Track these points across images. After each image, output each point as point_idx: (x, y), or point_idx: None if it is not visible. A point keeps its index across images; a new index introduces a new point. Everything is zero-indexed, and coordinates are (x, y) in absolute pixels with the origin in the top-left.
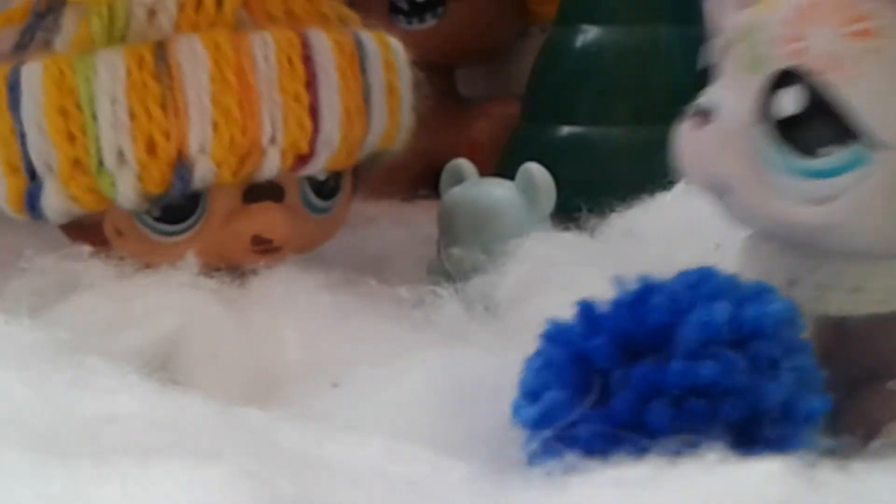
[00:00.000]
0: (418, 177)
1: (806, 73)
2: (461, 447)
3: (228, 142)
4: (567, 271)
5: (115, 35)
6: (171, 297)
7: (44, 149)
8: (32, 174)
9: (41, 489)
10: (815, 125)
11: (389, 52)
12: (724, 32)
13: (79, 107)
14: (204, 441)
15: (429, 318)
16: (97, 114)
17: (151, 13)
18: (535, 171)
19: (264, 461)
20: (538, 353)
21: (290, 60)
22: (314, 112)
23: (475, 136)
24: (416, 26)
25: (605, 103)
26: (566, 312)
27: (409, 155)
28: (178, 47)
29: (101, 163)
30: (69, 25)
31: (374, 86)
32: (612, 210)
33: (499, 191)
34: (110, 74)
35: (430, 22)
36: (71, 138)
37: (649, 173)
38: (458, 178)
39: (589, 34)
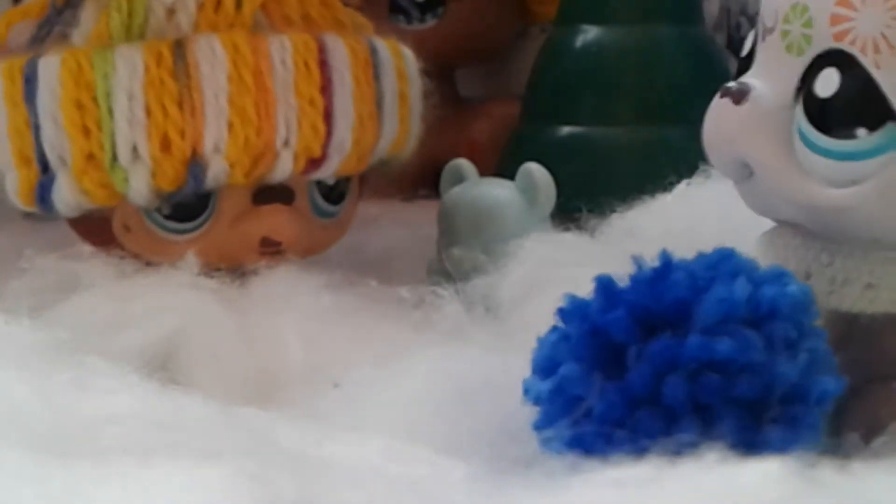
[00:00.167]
0: (418, 177)
1: (849, 55)
2: (461, 447)
3: (243, 143)
4: (567, 272)
5: (134, 31)
6: (171, 297)
7: (58, 142)
8: (45, 167)
9: (41, 489)
10: (849, 108)
11: (402, 61)
12: (764, 18)
13: (95, 101)
14: (204, 441)
15: (429, 319)
16: (113, 109)
17: (171, 11)
18: (535, 171)
19: (264, 461)
20: (553, 329)
21: (306, 64)
22: (328, 117)
23: (475, 136)
24: (416, 26)
25: (605, 103)
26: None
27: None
28: (196, 46)
29: (114, 158)
30: (87, 20)
31: (387, 93)
32: (613, 210)
33: (499, 191)
34: (128, 70)
35: (430, 22)
36: (86, 132)
37: (650, 173)
38: (458, 178)
39: (589, 34)
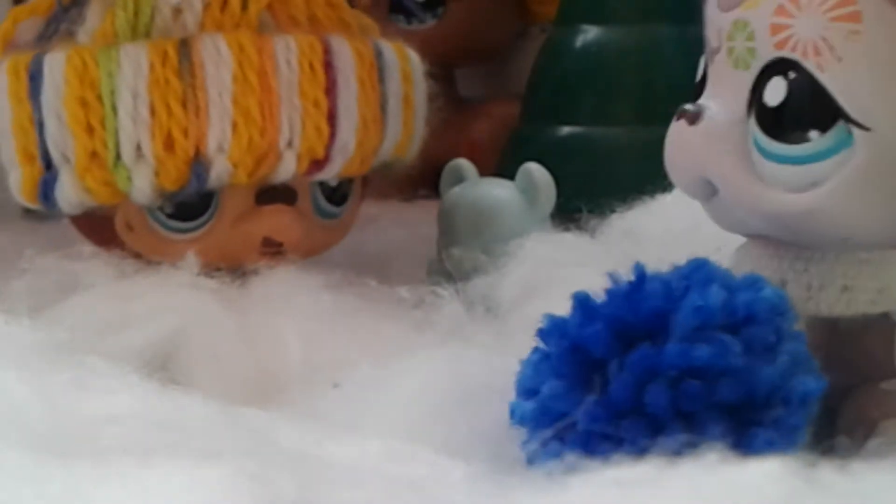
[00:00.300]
0: (418, 177)
1: (792, 62)
2: (461, 447)
3: (246, 143)
4: (567, 272)
5: (140, 30)
6: (172, 297)
7: (62, 139)
8: (48, 164)
9: (41, 489)
10: (799, 112)
11: (407, 64)
12: (710, 39)
13: (100, 99)
14: (204, 441)
15: (429, 319)
16: (118, 107)
17: (177, 11)
18: (535, 171)
19: (264, 461)
20: (534, 351)
21: (311, 66)
22: (332, 118)
23: (475, 136)
24: (416, 26)
25: (605, 103)
26: (567, 313)
27: None
28: (202, 46)
29: (118, 156)
30: (93, 18)
31: (392, 96)
32: (613, 211)
33: (499, 191)
34: (133, 69)
35: (430, 22)
36: (90, 130)
37: (650, 174)
38: (458, 178)
39: (589, 34)
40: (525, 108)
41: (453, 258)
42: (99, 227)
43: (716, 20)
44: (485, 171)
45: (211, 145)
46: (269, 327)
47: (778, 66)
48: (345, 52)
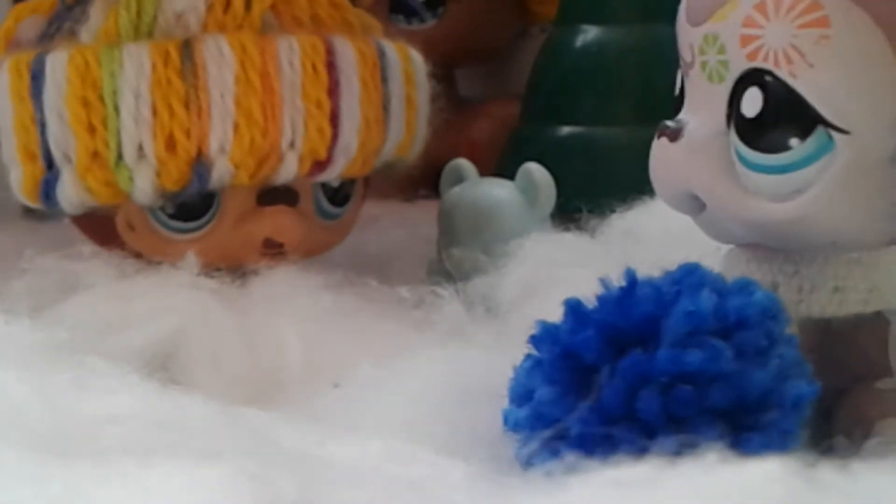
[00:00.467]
0: (418, 177)
1: (766, 72)
2: (461, 447)
3: (248, 144)
4: (567, 272)
5: (142, 30)
6: (172, 297)
7: (63, 139)
8: (50, 163)
9: (41, 489)
10: (777, 121)
11: (410, 64)
12: (683, 54)
13: (101, 99)
14: (204, 441)
15: (429, 319)
16: (119, 107)
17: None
18: (535, 171)
19: (264, 461)
20: (527, 357)
21: (314, 67)
22: (334, 119)
23: (475, 136)
24: (416, 26)
25: (605, 103)
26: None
27: None
28: (204, 47)
29: (119, 156)
30: (96, 17)
31: (394, 96)
32: (613, 211)
33: (499, 191)
34: (135, 69)
35: (430, 22)
36: (91, 130)
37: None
38: (458, 178)
39: (589, 34)
40: (525, 108)
41: (453, 258)
42: (100, 226)
43: (687, 35)
44: (485, 171)
45: (213, 146)
46: (270, 327)
47: (752, 77)
48: (348, 53)
